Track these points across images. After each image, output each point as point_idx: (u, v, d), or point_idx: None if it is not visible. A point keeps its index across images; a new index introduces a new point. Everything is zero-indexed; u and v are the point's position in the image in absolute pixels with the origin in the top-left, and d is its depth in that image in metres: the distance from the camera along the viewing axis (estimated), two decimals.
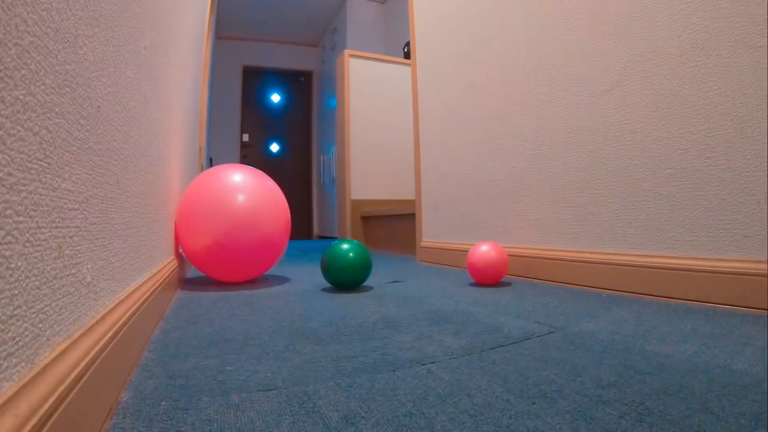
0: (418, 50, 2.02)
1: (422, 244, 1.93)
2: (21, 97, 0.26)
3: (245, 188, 1.20)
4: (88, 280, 0.40)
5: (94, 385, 0.35)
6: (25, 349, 0.27)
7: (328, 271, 1.13)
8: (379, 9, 4.35)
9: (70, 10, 0.35)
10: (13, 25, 0.25)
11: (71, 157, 0.36)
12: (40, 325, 0.29)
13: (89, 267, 0.40)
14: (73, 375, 0.31)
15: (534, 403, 0.42)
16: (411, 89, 2.13)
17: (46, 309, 0.30)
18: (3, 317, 0.24)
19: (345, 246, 1.14)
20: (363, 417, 0.39)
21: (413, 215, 2.19)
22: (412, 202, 2.78)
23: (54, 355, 0.30)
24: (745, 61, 0.81)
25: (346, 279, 1.12)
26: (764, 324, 0.69)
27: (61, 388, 0.28)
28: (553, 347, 0.60)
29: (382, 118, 3.04)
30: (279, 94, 5.10)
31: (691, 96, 0.91)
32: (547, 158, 1.27)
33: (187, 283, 1.28)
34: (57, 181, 0.33)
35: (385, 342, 0.63)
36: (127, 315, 0.49)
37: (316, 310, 0.88)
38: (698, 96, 0.89)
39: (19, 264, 0.26)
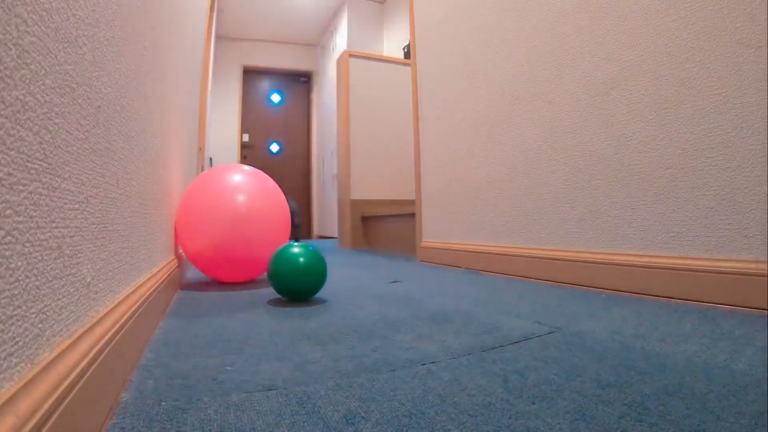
0: (418, 50, 2.02)
1: (422, 244, 1.93)
2: (21, 97, 0.26)
3: (245, 188, 1.20)
4: (88, 280, 0.40)
5: (94, 385, 0.35)
6: (25, 348, 0.27)
7: (275, 280, 0.97)
8: (379, 9, 4.35)
9: (70, 10, 0.35)
10: (13, 25, 0.25)
11: (71, 157, 0.36)
12: (40, 325, 0.29)
13: (89, 267, 0.40)
14: (73, 375, 0.31)
15: (534, 403, 0.41)
16: (411, 89, 2.12)
17: (46, 309, 0.30)
18: (3, 317, 0.24)
19: (295, 250, 0.97)
20: (363, 417, 0.39)
21: (413, 215, 2.19)
22: (412, 202, 2.78)
23: (54, 354, 0.30)
24: (745, 61, 0.81)
25: (296, 289, 0.96)
26: (764, 324, 0.69)
27: (61, 388, 0.28)
28: (553, 347, 0.60)
29: (382, 118, 3.04)
30: (279, 94, 5.10)
31: (691, 96, 0.91)
32: (547, 158, 1.27)
33: (187, 283, 1.28)
34: (57, 181, 0.33)
35: (385, 342, 0.63)
36: (127, 315, 0.49)
37: (316, 310, 0.88)
38: (698, 96, 0.89)
39: (19, 264, 0.26)
